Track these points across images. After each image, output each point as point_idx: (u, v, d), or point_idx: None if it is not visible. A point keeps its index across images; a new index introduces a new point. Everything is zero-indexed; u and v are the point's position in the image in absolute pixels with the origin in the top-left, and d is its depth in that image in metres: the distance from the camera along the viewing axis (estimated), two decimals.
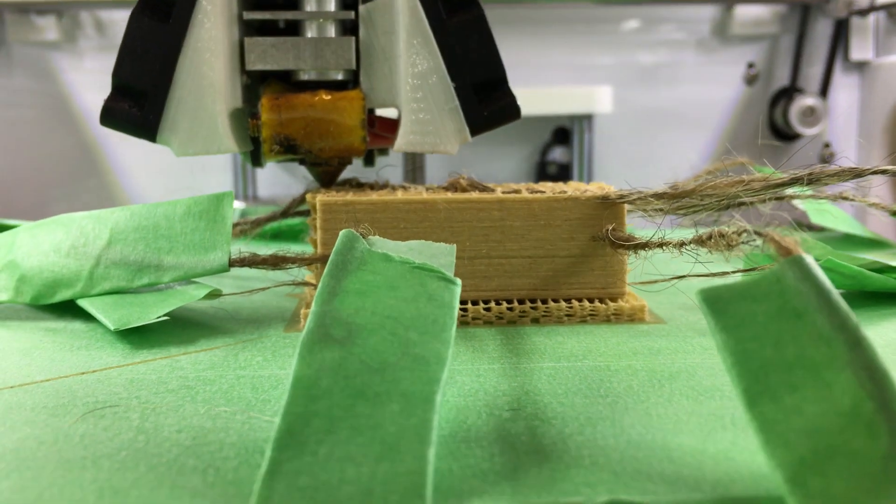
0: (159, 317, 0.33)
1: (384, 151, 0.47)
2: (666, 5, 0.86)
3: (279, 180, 0.85)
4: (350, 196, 0.37)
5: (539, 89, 0.80)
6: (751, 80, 0.88)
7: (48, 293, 0.37)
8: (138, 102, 0.38)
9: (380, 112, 0.43)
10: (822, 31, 0.86)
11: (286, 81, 0.41)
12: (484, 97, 0.39)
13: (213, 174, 0.84)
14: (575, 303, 0.36)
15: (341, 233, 0.27)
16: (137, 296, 0.36)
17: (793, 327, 0.21)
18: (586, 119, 0.83)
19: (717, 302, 0.22)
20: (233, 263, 0.35)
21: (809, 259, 0.22)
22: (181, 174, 0.81)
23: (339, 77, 0.41)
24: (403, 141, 0.39)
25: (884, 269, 0.39)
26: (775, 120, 0.85)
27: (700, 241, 0.29)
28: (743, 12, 0.85)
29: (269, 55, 0.39)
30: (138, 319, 0.33)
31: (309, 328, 0.23)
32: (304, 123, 0.39)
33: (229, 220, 0.36)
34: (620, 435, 0.23)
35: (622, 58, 0.88)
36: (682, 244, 0.31)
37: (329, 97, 0.39)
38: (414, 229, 0.36)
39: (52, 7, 0.80)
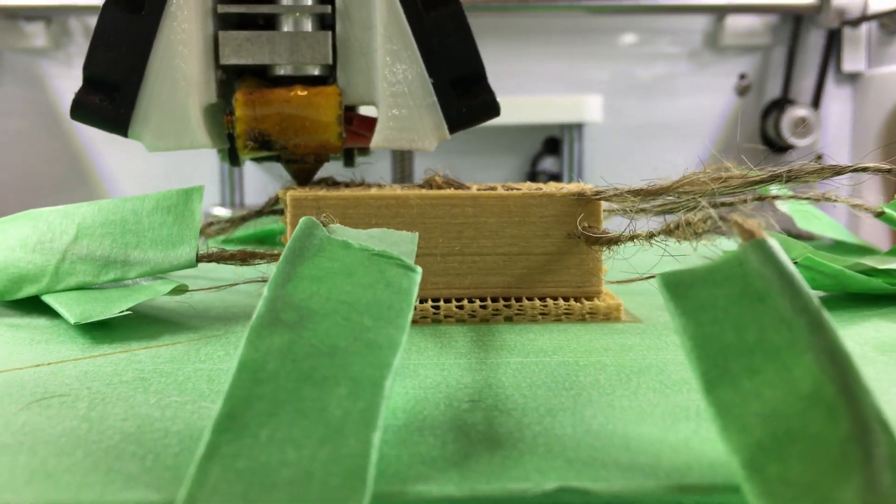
0: (122, 311, 0.33)
1: (365, 151, 0.47)
2: (657, 16, 0.85)
3: (266, 187, 0.84)
4: (322, 192, 0.36)
5: (528, 98, 0.80)
6: (743, 91, 0.87)
7: (13, 289, 0.36)
8: (109, 96, 0.37)
9: (363, 110, 0.43)
10: (814, 42, 0.85)
11: (263, 77, 0.41)
12: (462, 93, 0.39)
13: (200, 181, 0.83)
14: (549, 301, 0.35)
15: (301, 220, 0.26)
16: (102, 291, 0.35)
17: (754, 311, 0.20)
18: (576, 128, 0.82)
19: (677, 286, 0.21)
20: (201, 259, 0.35)
21: (773, 242, 0.21)
22: (168, 182, 0.81)
23: (316, 72, 0.40)
24: (380, 137, 0.39)
25: (868, 273, 0.38)
26: (767, 131, 0.85)
27: (668, 231, 0.28)
28: (734, 23, 0.85)
29: (243, 49, 0.39)
30: (101, 314, 0.32)
31: (259, 313, 0.22)
32: (279, 119, 0.38)
33: (198, 215, 0.35)
34: (579, 425, 0.22)
35: (613, 68, 0.88)
36: (651, 235, 0.30)
37: (305, 93, 0.39)
38: (385, 225, 0.35)
39: (40, 13, 0.80)
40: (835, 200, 0.40)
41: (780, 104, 0.85)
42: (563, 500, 0.19)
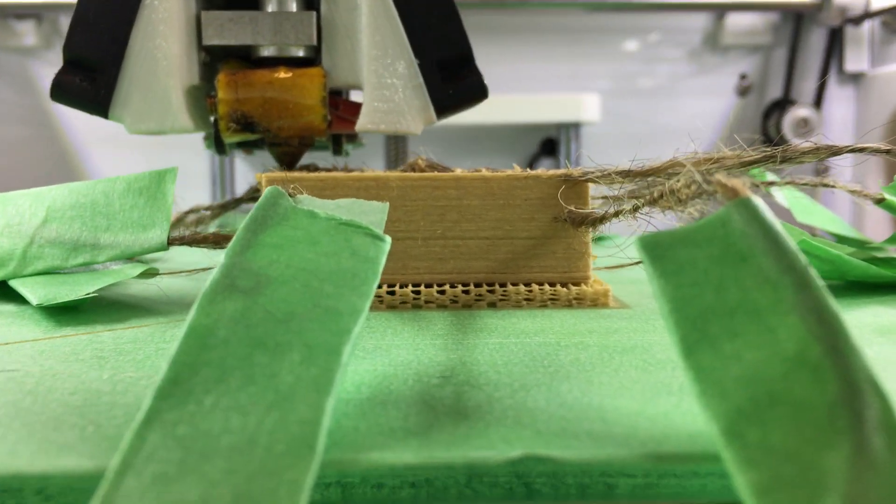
0: (89, 294, 0.31)
1: (354, 139, 0.46)
2: (657, 15, 0.84)
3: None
4: (299, 174, 0.35)
5: (523, 96, 0.78)
6: (743, 91, 0.86)
7: None
8: (90, 76, 0.37)
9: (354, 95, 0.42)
10: (815, 42, 0.84)
11: (247, 59, 0.40)
12: (449, 75, 0.38)
13: (192, 181, 0.82)
14: (535, 287, 0.34)
15: (266, 189, 0.25)
16: (70, 275, 0.34)
17: (736, 271, 0.19)
18: (573, 128, 0.81)
19: (655, 247, 0.20)
20: (172, 242, 0.34)
21: (758, 201, 0.20)
22: None
23: (300, 54, 0.39)
24: (366, 119, 0.38)
25: (867, 260, 0.37)
26: (768, 132, 0.83)
27: (652, 201, 0.27)
28: (735, 22, 0.83)
29: (226, 30, 0.38)
30: (66, 296, 0.31)
31: (213, 279, 0.21)
32: (263, 101, 0.38)
33: (170, 197, 0.34)
34: (553, 399, 0.21)
35: (611, 68, 0.86)
36: (636, 208, 0.29)
37: (288, 74, 0.38)
38: None
39: (31, 11, 0.79)
40: (833, 186, 0.39)
41: (782, 104, 0.83)
42: (530, 470, 0.17)
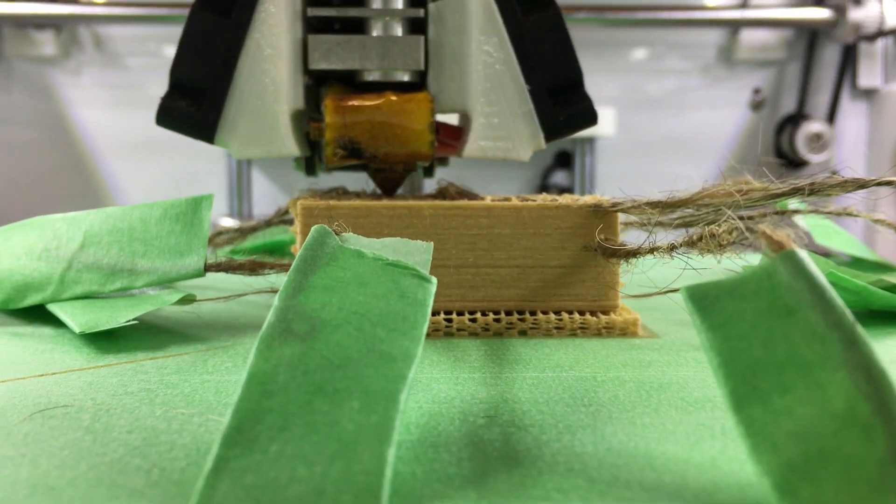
0: (128, 321, 0.32)
1: (443, 161, 0.45)
2: (670, 29, 0.85)
3: (274, 197, 0.84)
4: (333, 201, 0.35)
5: None
6: (757, 105, 0.86)
7: (18, 297, 0.35)
8: (196, 101, 0.36)
9: (441, 118, 0.41)
10: (829, 58, 0.84)
11: (349, 83, 0.39)
12: (559, 100, 0.37)
13: (208, 191, 0.83)
14: (565, 315, 0.35)
15: (313, 228, 0.26)
16: (108, 300, 0.34)
17: (784, 325, 0.19)
18: (588, 142, 0.82)
19: (703, 299, 0.21)
20: (209, 268, 0.34)
21: (803, 254, 0.20)
22: (178, 191, 0.80)
23: (406, 78, 0.38)
24: (474, 146, 0.38)
25: (891, 289, 0.38)
26: (782, 146, 0.84)
27: (691, 243, 0.27)
28: (749, 37, 0.84)
29: (333, 54, 0.38)
30: (106, 323, 0.32)
31: (269, 323, 0.22)
32: (370, 126, 0.37)
33: (207, 223, 0.35)
34: (600, 443, 0.22)
35: (625, 81, 0.87)
36: (672, 248, 0.29)
37: (396, 99, 0.37)
38: (398, 236, 0.34)
39: (50, 21, 0.80)
40: (856, 215, 0.39)
41: (795, 119, 0.84)
42: None
